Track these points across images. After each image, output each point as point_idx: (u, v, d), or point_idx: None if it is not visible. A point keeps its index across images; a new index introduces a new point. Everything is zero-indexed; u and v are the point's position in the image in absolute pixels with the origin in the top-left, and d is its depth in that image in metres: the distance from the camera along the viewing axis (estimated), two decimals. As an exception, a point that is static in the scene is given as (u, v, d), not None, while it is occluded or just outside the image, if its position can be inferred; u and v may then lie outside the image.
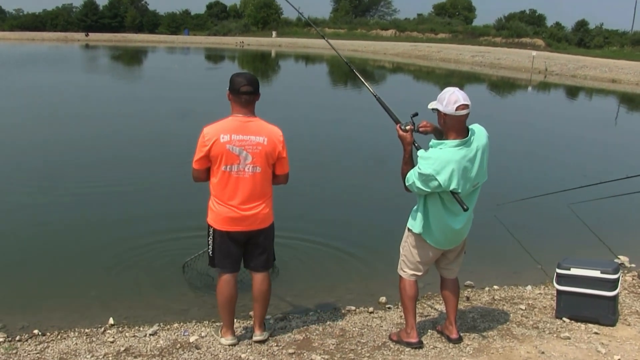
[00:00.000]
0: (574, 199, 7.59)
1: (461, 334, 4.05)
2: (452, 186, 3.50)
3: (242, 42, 66.64)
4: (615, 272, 4.34)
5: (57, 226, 6.68)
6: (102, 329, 4.28)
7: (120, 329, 4.31)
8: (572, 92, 29.83)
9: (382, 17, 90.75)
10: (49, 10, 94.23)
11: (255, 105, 3.65)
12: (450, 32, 71.25)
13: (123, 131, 12.72)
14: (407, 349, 3.90)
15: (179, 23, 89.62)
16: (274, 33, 76.03)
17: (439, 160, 3.49)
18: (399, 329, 4.13)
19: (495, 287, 5.30)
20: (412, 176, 3.58)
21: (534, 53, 41.63)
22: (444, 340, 4.03)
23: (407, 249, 3.86)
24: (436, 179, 3.48)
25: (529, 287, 5.28)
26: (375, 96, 3.92)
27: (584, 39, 64.67)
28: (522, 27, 66.96)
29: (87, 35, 71.63)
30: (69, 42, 64.88)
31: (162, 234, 6.43)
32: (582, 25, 69.01)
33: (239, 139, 3.52)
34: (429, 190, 3.55)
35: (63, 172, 8.99)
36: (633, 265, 5.97)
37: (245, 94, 3.54)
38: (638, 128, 18.87)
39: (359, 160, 10.93)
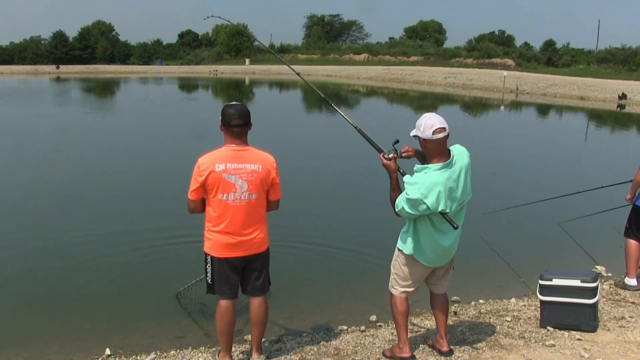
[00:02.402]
0: (554, 210, 7.87)
1: (451, 347, 4.19)
2: (440, 207, 3.63)
3: (216, 70, 66.76)
4: (594, 281, 4.55)
5: (48, 259, 6.66)
6: None
7: (117, 359, 4.36)
8: (543, 110, 30.69)
9: (354, 42, 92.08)
10: (17, 43, 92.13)
11: (247, 134, 3.76)
12: (422, 55, 72.54)
13: (107, 167, 12.47)
14: (401, 364, 4.02)
15: (151, 53, 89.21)
16: (247, 60, 76.46)
17: (426, 184, 3.61)
18: (391, 345, 4.26)
19: (481, 301, 5.48)
20: (400, 202, 3.70)
21: (505, 73, 42.80)
22: (435, 353, 4.17)
23: (398, 267, 3.99)
24: (424, 203, 3.60)
25: (513, 300, 5.48)
26: (356, 128, 4.04)
27: (552, 58, 66.44)
28: (492, 48, 68.58)
29: (58, 67, 70.47)
30: (39, 74, 63.92)
31: (152, 262, 6.50)
32: (549, 44, 71.04)
33: (234, 167, 3.62)
34: (418, 213, 3.68)
35: (51, 207, 8.92)
36: (609, 274, 6.21)
37: (236, 127, 3.65)
38: (606, 142, 19.54)
39: (342, 182, 11.12)
